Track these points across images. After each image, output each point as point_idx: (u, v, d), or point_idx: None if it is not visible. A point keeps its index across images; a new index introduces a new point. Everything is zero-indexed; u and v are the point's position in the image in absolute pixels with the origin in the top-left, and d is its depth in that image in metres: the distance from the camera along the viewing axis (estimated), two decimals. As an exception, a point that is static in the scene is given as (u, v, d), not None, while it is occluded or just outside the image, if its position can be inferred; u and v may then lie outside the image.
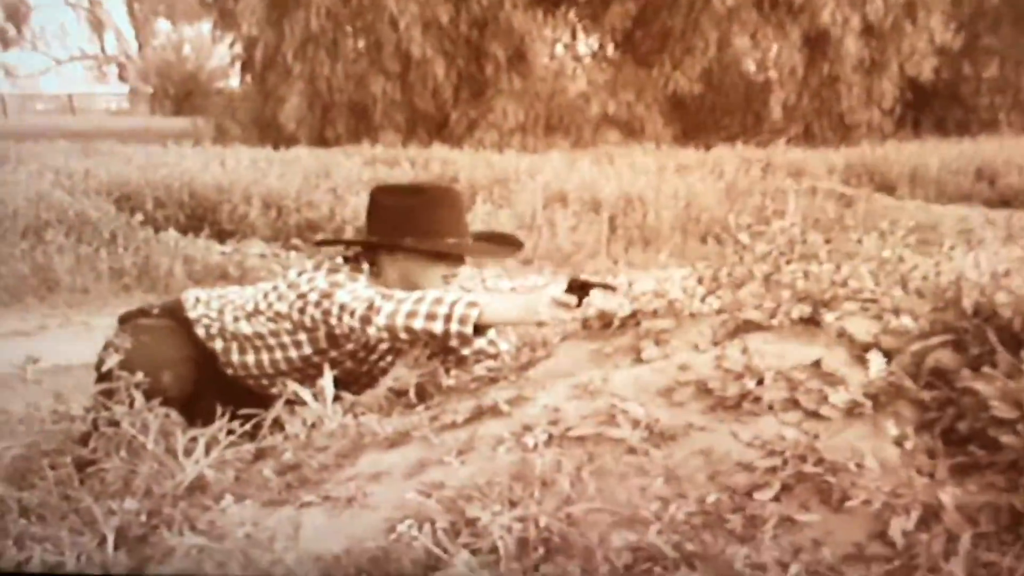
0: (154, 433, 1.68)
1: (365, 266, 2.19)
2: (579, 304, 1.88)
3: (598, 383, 1.60)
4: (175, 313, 2.32)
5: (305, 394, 1.79)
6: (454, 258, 2.20)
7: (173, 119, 22.65)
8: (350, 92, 15.61)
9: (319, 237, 6.64)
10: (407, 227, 2.16)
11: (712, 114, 16.87)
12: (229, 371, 2.27)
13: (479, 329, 1.92)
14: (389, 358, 2.24)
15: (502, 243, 2.35)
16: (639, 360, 1.70)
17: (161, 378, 2.04)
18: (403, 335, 1.95)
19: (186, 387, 2.16)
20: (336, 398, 1.80)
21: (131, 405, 1.76)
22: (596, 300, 1.92)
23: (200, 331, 2.28)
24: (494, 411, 1.60)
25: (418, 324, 1.92)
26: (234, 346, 2.25)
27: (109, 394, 1.82)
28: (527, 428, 1.49)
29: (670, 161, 11.19)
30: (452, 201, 2.26)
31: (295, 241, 7.40)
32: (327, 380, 1.80)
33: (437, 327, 1.91)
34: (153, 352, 2.14)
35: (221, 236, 7.41)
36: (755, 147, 13.54)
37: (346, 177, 9.10)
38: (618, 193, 8.69)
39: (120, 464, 1.63)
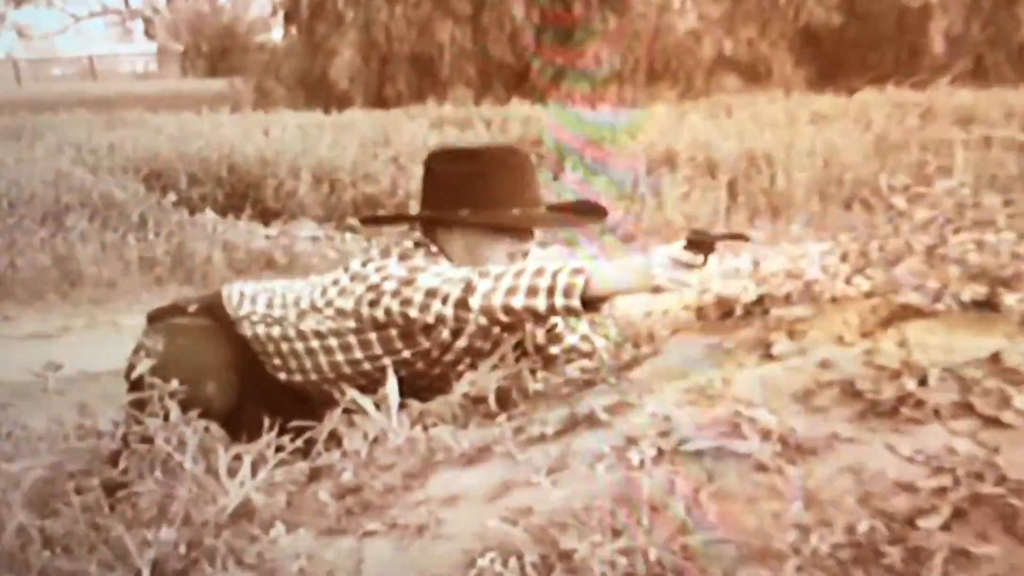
0: (192, 450, 1.72)
1: (434, 248, 2.24)
2: (704, 262, 1.87)
3: (718, 385, 1.60)
4: (214, 310, 2.38)
5: (366, 403, 1.83)
6: (522, 231, 2.24)
7: (207, 81, 23.18)
8: (412, 41, 15.73)
9: (366, 216, 6.73)
10: (463, 197, 2.21)
11: (856, 50, 16.34)
12: (281, 376, 2.34)
13: (589, 304, 1.94)
14: (467, 359, 2.28)
15: (581, 211, 2.38)
16: (768, 357, 1.69)
17: (203, 388, 2.12)
18: (503, 317, 1.99)
19: (230, 398, 2.24)
20: (401, 406, 1.83)
21: (165, 418, 1.81)
22: (714, 284, 1.93)
23: (246, 331, 2.34)
24: (591, 421, 1.61)
25: (518, 302, 1.97)
26: (285, 347, 2.31)
27: (141, 405, 1.88)
28: (631, 441, 1.50)
29: (803, 110, 11.00)
30: (516, 164, 2.29)
31: (351, 221, 7.47)
32: (391, 386, 1.84)
33: (540, 303, 1.95)
34: (191, 357, 2.22)
35: (265, 217, 7.60)
36: (911, 89, 13.09)
37: (409, 143, 9.19)
38: (739, 152, 8.57)
39: (155, 487, 1.67)
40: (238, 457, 1.68)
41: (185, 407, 1.85)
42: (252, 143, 8.64)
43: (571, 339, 2.30)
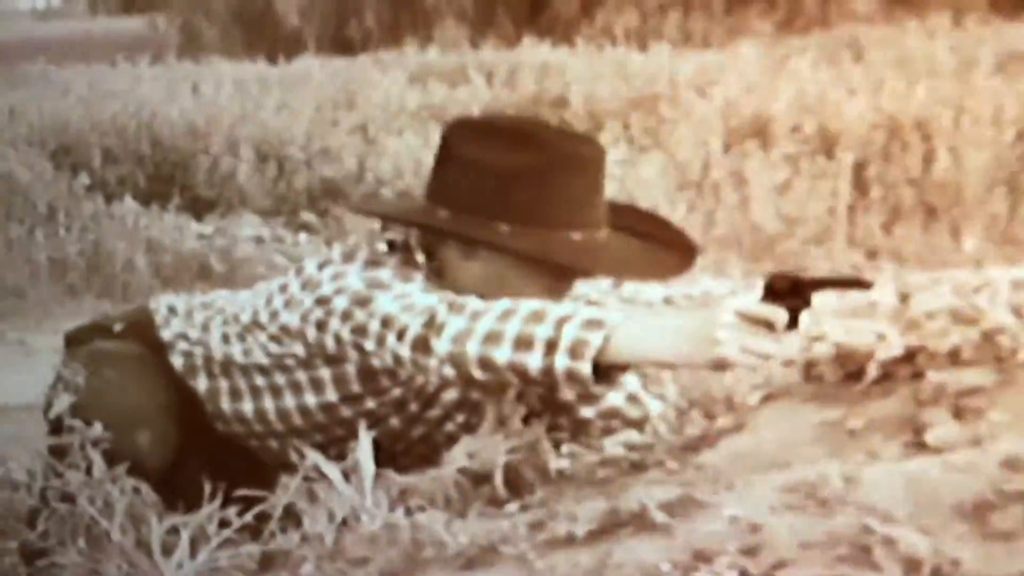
0: (121, 516, 1.86)
1: (420, 258, 2.25)
2: (793, 323, 1.81)
3: (837, 485, 1.58)
4: (145, 332, 2.45)
5: (332, 471, 1.88)
6: (559, 281, 2.24)
7: (122, 19, 24.00)
8: (384, -43, 15.81)
9: (355, 203, 7.23)
10: (502, 205, 2.19)
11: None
12: (219, 426, 2.40)
13: (604, 371, 1.91)
14: (460, 417, 2.30)
15: (654, 236, 2.35)
16: (920, 446, 1.66)
17: (134, 437, 2.21)
18: (478, 373, 1.99)
19: (167, 452, 2.32)
20: (377, 479, 1.88)
21: (88, 472, 1.98)
22: (832, 328, 1.87)
23: (177, 361, 2.41)
24: (641, 522, 1.60)
25: (502, 355, 1.95)
26: (224, 385, 2.37)
27: (60, 453, 2.06)
28: (701, 557, 1.48)
29: (984, 48, 10.35)
30: (588, 163, 2.27)
31: (306, 217, 7.82)
32: (364, 450, 1.88)
33: (533, 361, 1.92)
34: (120, 396, 2.31)
35: (197, 208, 8.00)
36: None
37: (381, 106, 9.43)
38: (873, 118, 8.39)
39: (79, 559, 1.82)
40: (174, 530, 1.79)
41: (111, 459, 2.02)
42: (178, 105, 9.05)
43: (613, 399, 2.28)
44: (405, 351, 2.03)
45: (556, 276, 2.21)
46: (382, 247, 2.24)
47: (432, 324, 2.01)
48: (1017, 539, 1.42)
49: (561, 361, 1.89)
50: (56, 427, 2.20)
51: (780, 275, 1.83)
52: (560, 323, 1.91)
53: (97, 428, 2.06)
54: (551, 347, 1.90)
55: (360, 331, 2.10)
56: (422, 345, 2.01)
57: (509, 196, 2.18)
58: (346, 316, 2.12)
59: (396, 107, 9.34)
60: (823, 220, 7.58)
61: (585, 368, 1.87)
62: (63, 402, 2.18)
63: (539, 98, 9.72)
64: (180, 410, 2.39)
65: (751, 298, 1.83)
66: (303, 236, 7.41)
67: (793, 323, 1.79)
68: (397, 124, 8.65)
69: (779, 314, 1.79)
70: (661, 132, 8.63)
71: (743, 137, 8.37)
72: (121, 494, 1.91)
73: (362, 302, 2.11)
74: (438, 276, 2.22)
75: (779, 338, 1.81)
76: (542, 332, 1.92)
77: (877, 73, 9.50)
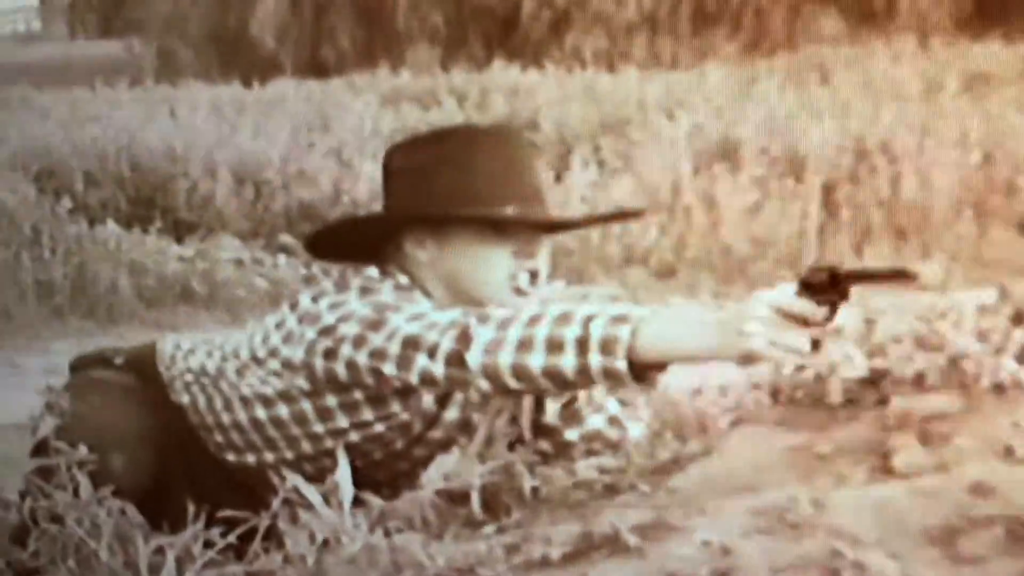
0: (108, 537, 1.89)
1: (403, 279, 2.26)
2: (831, 316, 1.76)
3: (805, 509, 1.58)
4: (144, 367, 2.48)
5: (312, 494, 1.90)
6: (524, 243, 2.24)
7: (100, 43, 23.95)
8: (357, -21, 15.79)
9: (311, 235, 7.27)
10: (425, 193, 2.26)
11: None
12: (229, 457, 2.41)
13: (639, 371, 1.89)
14: (463, 440, 2.28)
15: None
16: (887, 471, 1.65)
17: (110, 461, 2.23)
18: (512, 382, 1.99)
19: (140, 477, 2.34)
20: (357, 502, 1.89)
21: (76, 493, 2.00)
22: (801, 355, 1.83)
23: (181, 397, 2.43)
24: (614, 545, 1.61)
25: (536, 362, 1.94)
26: (227, 419, 2.39)
27: (47, 474, 2.08)
28: None
29: (950, 70, 10.41)
30: (503, 146, 2.35)
31: (284, 239, 7.89)
32: (343, 473, 1.94)
33: (567, 364, 1.92)
34: (102, 421, 2.35)
35: (177, 230, 8.16)
36: None
37: (355, 128, 9.54)
38: (840, 140, 8.42)
39: None
40: (160, 551, 1.81)
41: (96, 481, 2.04)
42: (156, 129, 9.21)
43: (595, 421, 2.27)
44: (439, 368, 2.03)
45: (509, 253, 2.22)
46: (371, 273, 2.25)
47: (464, 337, 2.01)
48: (985, 563, 1.43)
49: (595, 360, 1.88)
50: (41, 449, 2.24)
51: (817, 268, 1.77)
52: (587, 322, 1.90)
53: (82, 450, 2.09)
54: (582, 347, 1.89)
55: (378, 355, 2.10)
56: (456, 360, 2.01)
57: (429, 187, 2.24)
58: (359, 341, 2.12)
59: (369, 130, 9.42)
60: (794, 242, 7.56)
61: (621, 364, 1.86)
62: (48, 425, 2.24)
63: (510, 121, 9.68)
64: (167, 440, 2.42)
65: (786, 292, 1.79)
66: (282, 258, 7.53)
67: (831, 315, 1.76)
68: (371, 147, 8.65)
69: (815, 310, 1.75)
70: (631, 155, 8.63)
71: (712, 159, 8.36)
72: (108, 515, 1.94)
73: (374, 326, 2.11)
74: (413, 283, 2.25)
75: (816, 334, 1.77)
76: (571, 333, 1.91)
77: (843, 96, 9.49)
